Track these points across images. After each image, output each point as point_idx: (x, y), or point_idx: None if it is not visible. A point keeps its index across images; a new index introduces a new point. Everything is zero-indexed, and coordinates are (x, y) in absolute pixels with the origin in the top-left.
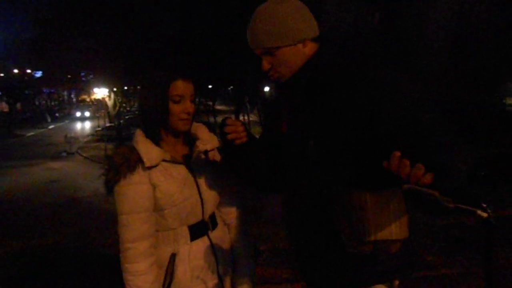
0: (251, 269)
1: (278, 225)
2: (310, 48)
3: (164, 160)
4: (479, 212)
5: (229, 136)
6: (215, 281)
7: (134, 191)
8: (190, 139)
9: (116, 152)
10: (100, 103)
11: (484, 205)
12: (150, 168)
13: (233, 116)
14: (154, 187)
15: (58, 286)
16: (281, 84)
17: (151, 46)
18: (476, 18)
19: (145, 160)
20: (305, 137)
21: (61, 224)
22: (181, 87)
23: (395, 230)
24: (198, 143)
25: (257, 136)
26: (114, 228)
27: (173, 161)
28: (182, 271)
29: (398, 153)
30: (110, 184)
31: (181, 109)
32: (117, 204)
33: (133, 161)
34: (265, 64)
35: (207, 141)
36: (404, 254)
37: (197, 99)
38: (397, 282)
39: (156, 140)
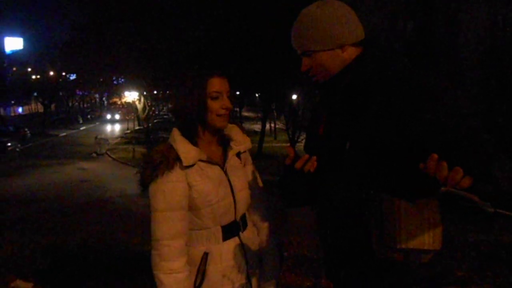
0: (277, 272)
1: (303, 233)
2: (349, 53)
3: (200, 160)
4: None
5: (305, 169)
6: (243, 281)
7: (172, 188)
8: (224, 140)
9: (154, 150)
10: (130, 106)
11: None
12: (187, 167)
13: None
14: (190, 186)
15: (84, 282)
16: (319, 86)
17: (184, 50)
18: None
19: (183, 159)
20: (341, 140)
21: (88, 222)
22: (218, 83)
23: (427, 240)
24: (232, 144)
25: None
26: (139, 228)
27: (209, 161)
28: (213, 270)
29: (435, 156)
30: (147, 181)
31: (219, 105)
32: (153, 201)
33: (172, 160)
34: (304, 65)
35: (240, 142)
36: (436, 265)
37: None
38: None
39: (193, 139)
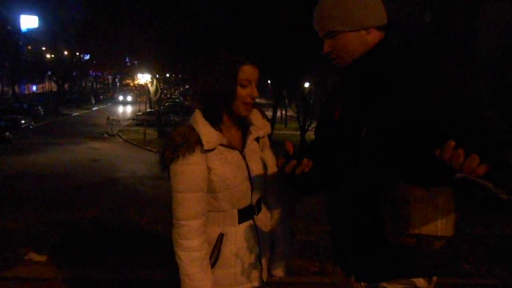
0: (288, 255)
1: (310, 220)
2: (373, 36)
3: (220, 144)
4: None
5: (297, 171)
6: (254, 262)
7: (191, 171)
8: (244, 124)
9: (176, 131)
10: (143, 88)
11: None
12: (207, 151)
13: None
14: (209, 170)
15: (96, 256)
16: (340, 69)
17: (200, 33)
18: None
19: (204, 143)
20: (357, 125)
21: (99, 200)
22: (249, 71)
23: (440, 226)
24: (251, 128)
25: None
26: (149, 208)
27: (229, 146)
28: (228, 250)
29: (452, 142)
30: (167, 162)
31: (247, 93)
32: (173, 182)
33: (193, 143)
34: (326, 47)
35: (260, 127)
36: (447, 252)
37: None
38: (435, 279)
39: (216, 123)
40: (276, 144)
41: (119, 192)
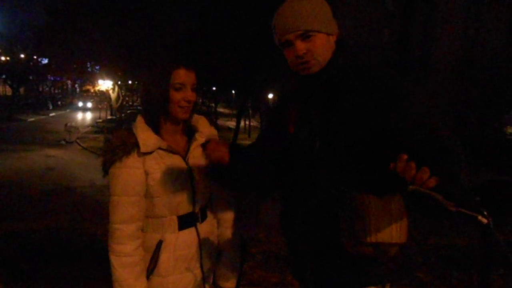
0: (237, 266)
1: (271, 230)
2: (333, 45)
3: (160, 149)
4: (479, 217)
5: (213, 156)
6: (196, 271)
7: (127, 174)
8: (190, 131)
9: (115, 135)
10: (104, 95)
11: (485, 212)
12: (145, 154)
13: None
14: (147, 174)
15: (49, 270)
16: (301, 78)
17: (158, 40)
18: (483, 45)
19: (141, 145)
20: (312, 137)
21: (54, 211)
22: (182, 75)
23: (395, 233)
24: (197, 135)
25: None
26: (106, 219)
27: (170, 150)
28: (166, 258)
29: (405, 156)
30: (107, 166)
31: (181, 97)
32: (110, 185)
33: (130, 145)
34: (301, 48)
35: (206, 134)
36: (401, 260)
37: (200, 100)
38: (388, 286)
39: (155, 128)
40: None
41: (76, 202)
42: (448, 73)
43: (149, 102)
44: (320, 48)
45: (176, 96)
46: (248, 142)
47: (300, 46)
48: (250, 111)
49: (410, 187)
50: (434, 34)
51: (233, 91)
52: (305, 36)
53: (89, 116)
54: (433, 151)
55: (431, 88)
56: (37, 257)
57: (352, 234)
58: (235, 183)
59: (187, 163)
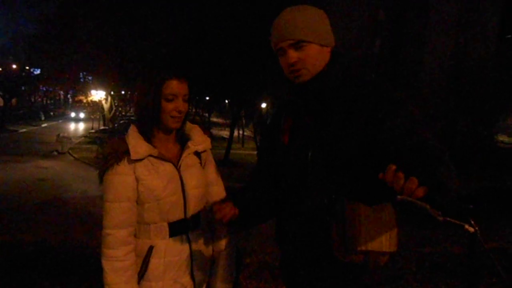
0: (231, 276)
1: (265, 239)
2: (328, 56)
3: (151, 156)
4: (466, 226)
5: (225, 220)
6: (185, 277)
7: (119, 181)
8: (183, 139)
9: (108, 143)
10: (96, 105)
11: (472, 221)
12: (136, 161)
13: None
14: (138, 180)
15: (39, 284)
16: (294, 87)
17: (151, 50)
18: (472, 53)
19: (131, 152)
20: (305, 148)
21: (46, 222)
22: (174, 86)
23: (385, 242)
24: (189, 143)
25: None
26: (99, 230)
27: (161, 157)
28: (155, 263)
29: (393, 166)
30: (101, 173)
31: (172, 107)
32: (104, 191)
33: (121, 153)
34: (293, 56)
35: (199, 142)
36: (391, 267)
37: (193, 110)
38: None
39: (147, 136)
40: (233, 164)
41: (67, 213)
42: (439, 81)
43: (141, 112)
44: (312, 58)
45: (168, 106)
46: (242, 151)
47: (292, 54)
48: (244, 121)
49: (399, 197)
50: (426, 43)
51: (226, 101)
52: (298, 45)
53: (82, 126)
54: (420, 161)
55: (423, 96)
56: (26, 271)
57: (343, 242)
58: (256, 222)
59: (178, 170)
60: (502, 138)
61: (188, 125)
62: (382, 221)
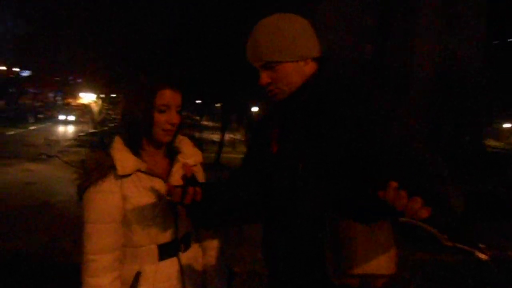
0: None
1: (256, 247)
2: (310, 67)
3: (139, 171)
4: (477, 253)
5: (186, 201)
6: None
7: (103, 199)
8: (172, 152)
9: (90, 157)
10: (86, 108)
11: (482, 246)
12: (123, 177)
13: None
14: (124, 198)
15: None
16: (276, 102)
17: (141, 54)
18: (460, 60)
19: (118, 167)
20: (295, 160)
21: (33, 228)
22: (168, 96)
23: (384, 264)
24: (179, 156)
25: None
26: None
27: (150, 173)
28: None
29: (395, 184)
30: (81, 190)
31: (165, 119)
32: (84, 211)
33: (106, 168)
34: (265, 78)
35: (189, 156)
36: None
37: (184, 113)
38: None
39: (135, 149)
40: (224, 167)
41: (55, 218)
42: (427, 86)
43: (130, 123)
44: (285, 77)
45: (160, 118)
46: (233, 155)
47: (263, 75)
48: (235, 124)
49: (402, 219)
50: (413, 47)
51: (217, 104)
52: (268, 65)
53: (71, 129)
54: (423, 179)
55: (410, 100)
56: (12, 278)
57: (337, 264)
58: (216, 220)
59: None
60: (490, 142)
61: (178, 137)
62: (379, 241)
